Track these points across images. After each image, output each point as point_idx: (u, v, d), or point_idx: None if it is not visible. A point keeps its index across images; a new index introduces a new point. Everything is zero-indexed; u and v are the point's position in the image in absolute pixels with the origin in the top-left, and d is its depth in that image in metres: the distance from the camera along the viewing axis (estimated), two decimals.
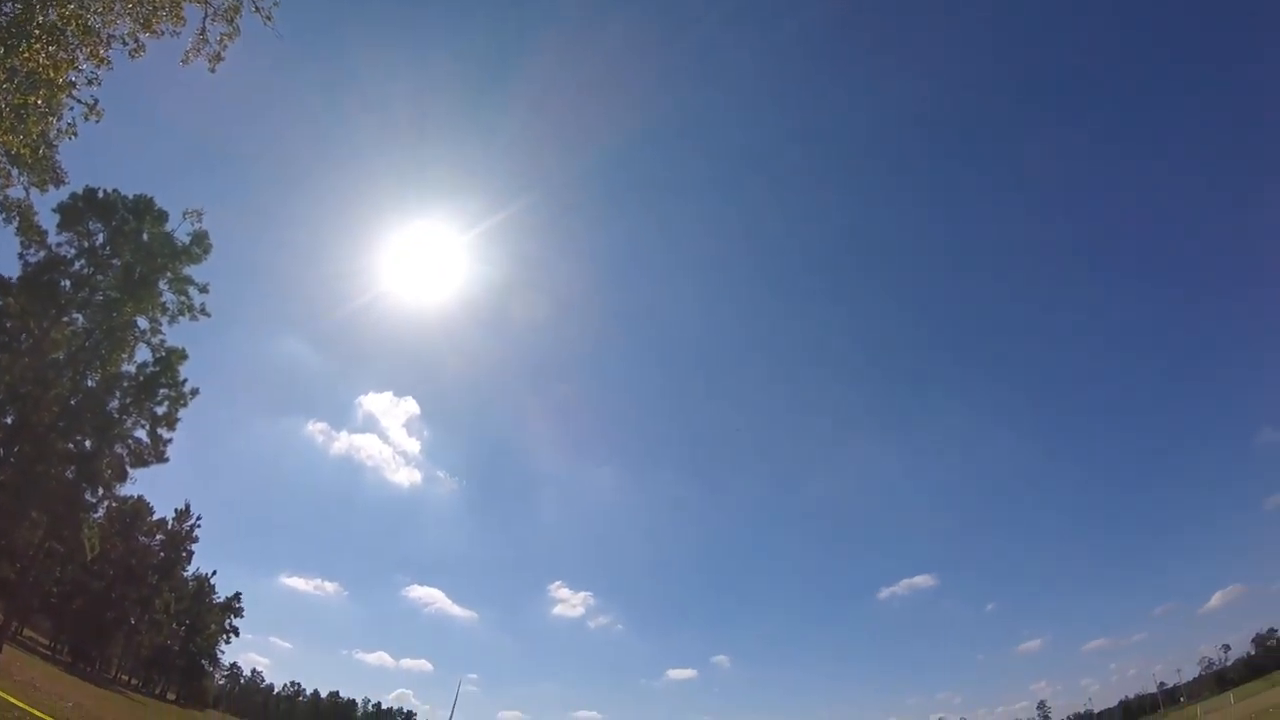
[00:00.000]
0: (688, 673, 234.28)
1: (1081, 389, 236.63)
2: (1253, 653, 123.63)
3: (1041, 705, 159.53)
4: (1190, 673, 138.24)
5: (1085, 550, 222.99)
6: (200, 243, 41.29)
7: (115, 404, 42.18)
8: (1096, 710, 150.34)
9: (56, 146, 19.29)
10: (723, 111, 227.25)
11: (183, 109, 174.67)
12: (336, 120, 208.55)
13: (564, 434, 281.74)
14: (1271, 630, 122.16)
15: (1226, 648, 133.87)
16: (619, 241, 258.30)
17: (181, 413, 42.99)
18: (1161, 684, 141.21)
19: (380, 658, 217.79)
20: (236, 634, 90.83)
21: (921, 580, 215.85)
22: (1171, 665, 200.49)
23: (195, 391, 43.21)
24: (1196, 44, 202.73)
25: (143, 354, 40.88)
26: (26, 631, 64.24)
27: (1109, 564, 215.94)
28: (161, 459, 42.95)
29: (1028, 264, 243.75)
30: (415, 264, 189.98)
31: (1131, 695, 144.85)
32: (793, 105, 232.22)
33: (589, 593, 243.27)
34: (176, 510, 74.43)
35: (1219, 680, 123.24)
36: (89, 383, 40.73)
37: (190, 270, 41.26)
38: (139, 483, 45.84)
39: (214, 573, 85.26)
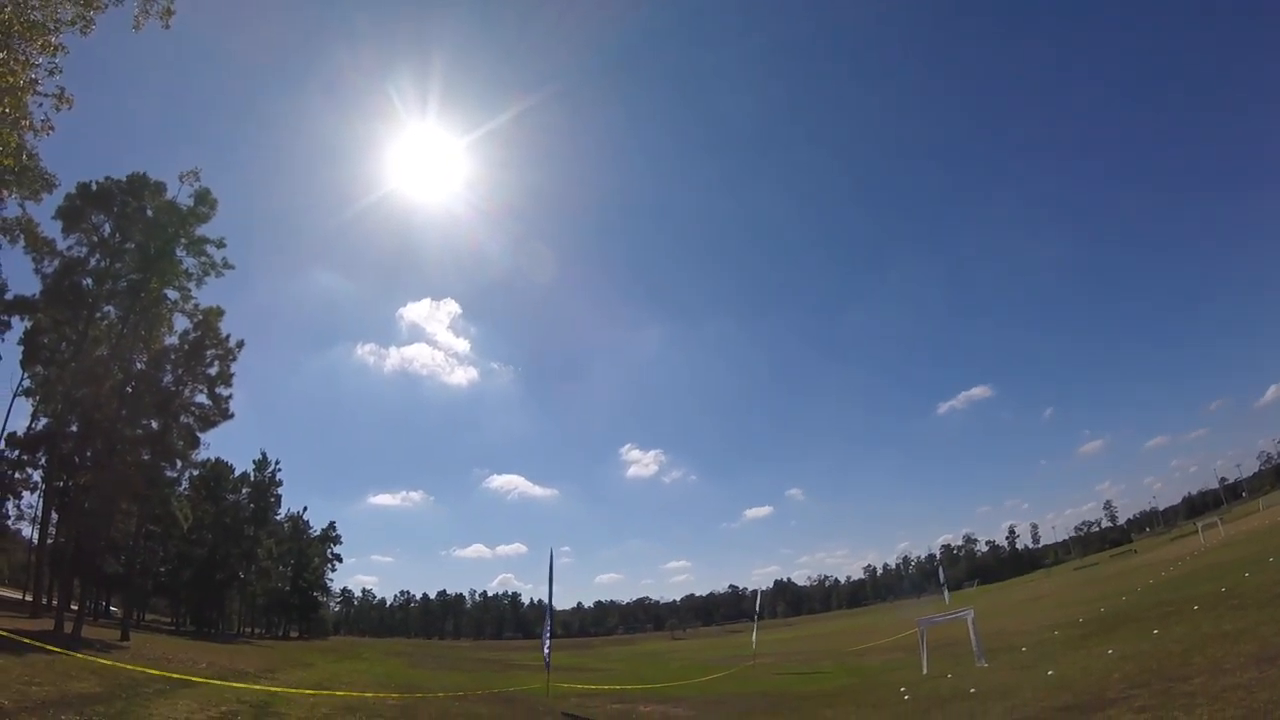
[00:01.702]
0: (764, 510, 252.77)
1: (1130, 194, 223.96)
2: None
3: (1108, 505, 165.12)
4: (1250, 468, 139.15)
5: (1136, 350, 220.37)
6: (205, 200, 40.20)
7: (169, 378, 42.91)
8: (1161, 508, 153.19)
9: (38, 154, 18.54)
10: None
11: (151, 69, 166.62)
12: (333, 36, 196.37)
13: (605, 303, 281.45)
14: None
15: None
16: (641, 120, 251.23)
17: (233, 367, 44.04)
18: (1223, 479, 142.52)
19: (477, 550, 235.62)
20: (340, 560, 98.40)
21: (978, 392, 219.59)
22: (1232, 461, 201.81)
23: (241, 344, 43.97)
24: None
25: (181, 323, 41.07)
26: (148, 615, 69.04)
27: (1160, 362, 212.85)
28: (226, 416, 44.26)
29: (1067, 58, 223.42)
30: (430, 167, 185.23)
31: (1195, 491, 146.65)
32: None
33: (659, 450, 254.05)
34: (255, 461, 77.68)
35: (1278, 474, 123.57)
36: (138, 366, 41.31)
37: (202, 230, 40.63)
38: (212, 445, 47.52)
39: (305, 509, 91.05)
